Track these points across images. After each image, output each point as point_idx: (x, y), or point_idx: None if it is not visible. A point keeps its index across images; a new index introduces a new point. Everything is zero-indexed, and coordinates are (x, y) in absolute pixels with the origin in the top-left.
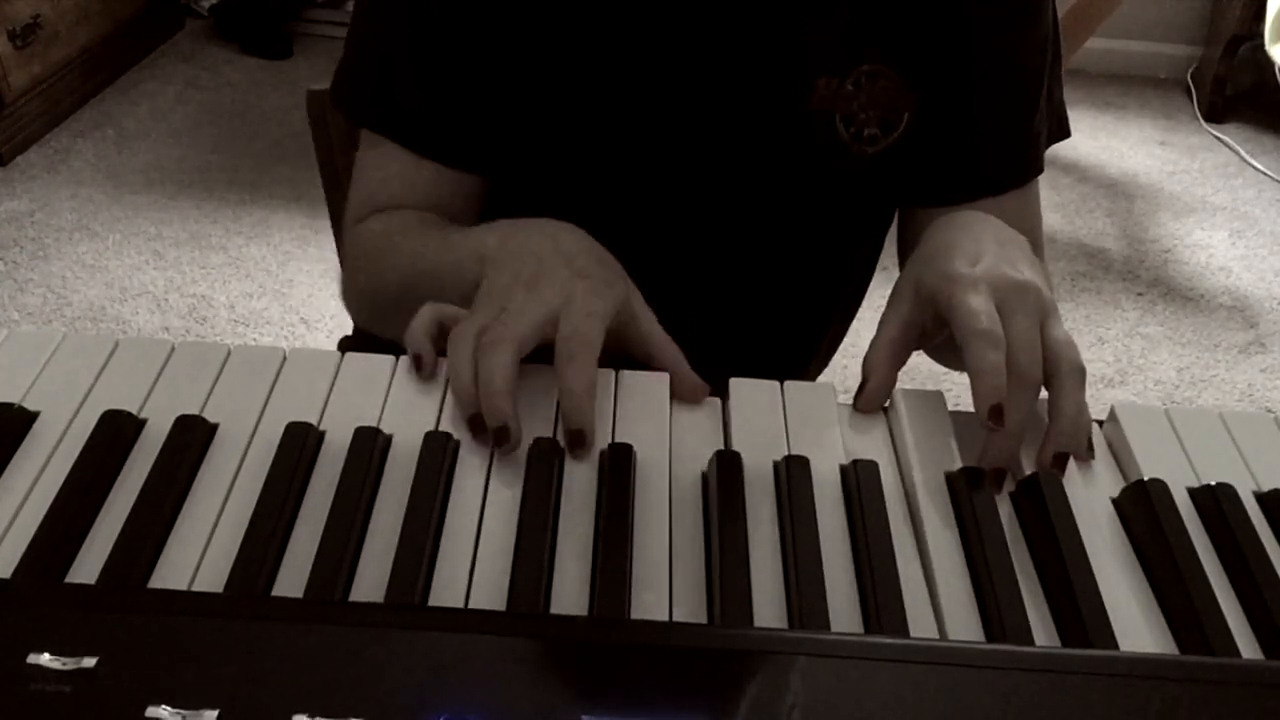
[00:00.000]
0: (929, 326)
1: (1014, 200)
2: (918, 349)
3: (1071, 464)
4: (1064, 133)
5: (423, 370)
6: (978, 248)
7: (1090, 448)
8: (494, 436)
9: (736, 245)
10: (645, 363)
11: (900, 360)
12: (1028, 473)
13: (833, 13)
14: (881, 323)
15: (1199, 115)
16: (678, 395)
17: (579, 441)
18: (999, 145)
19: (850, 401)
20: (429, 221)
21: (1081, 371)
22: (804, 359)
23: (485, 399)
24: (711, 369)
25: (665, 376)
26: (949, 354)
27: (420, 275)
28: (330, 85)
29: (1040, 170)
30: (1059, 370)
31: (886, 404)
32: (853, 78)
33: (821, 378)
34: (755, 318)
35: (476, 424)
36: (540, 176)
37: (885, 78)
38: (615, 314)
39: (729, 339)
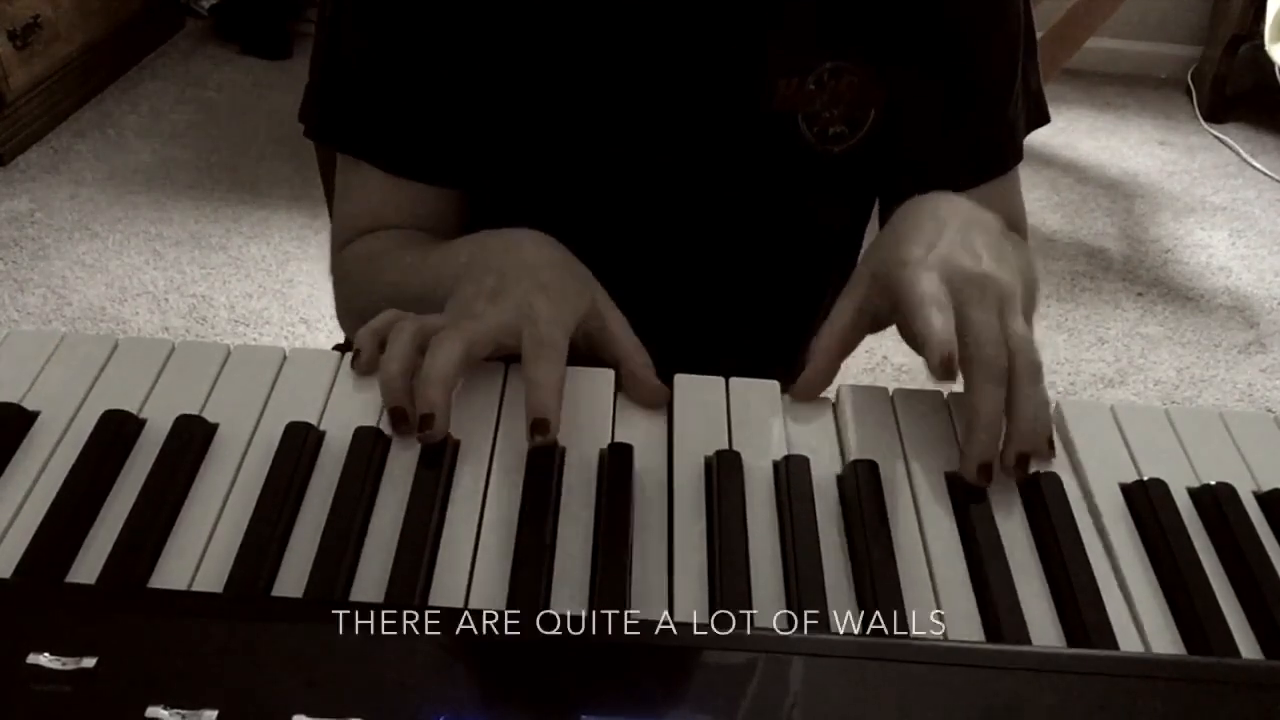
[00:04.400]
0: (882, 314)
1: (994, 190)
2: (872, 332)
3: (1072, 463)
4: (1043, 118)
5: (355, 363)
6: (938, 231)
7: (1051, 446)
8: (419, 422)
9: (713, 247)
10: (614, 366)
11: (847, 349)
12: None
13: (793, 13)
14: (834, 310)
15: (1199, 115)
16: (638, 399)
17: (542, 428)
18: (975, 135)
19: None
20: (411, 240)
21: (1037, 367)
22: (789, 359)
23: (421, 387)
24: (693, 370)
25: (609, 372)
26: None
27: (405, 296)
28: (298, 112)
29: (1019, 158)
30: (1014, 367)
31: (832, 399)
32: (815, 76)
33: None
34: (736, 318)
35: (397, 416)
36: (517, 187)
37: (850, 74)
38: (580, 321)
39: (712, 340)
